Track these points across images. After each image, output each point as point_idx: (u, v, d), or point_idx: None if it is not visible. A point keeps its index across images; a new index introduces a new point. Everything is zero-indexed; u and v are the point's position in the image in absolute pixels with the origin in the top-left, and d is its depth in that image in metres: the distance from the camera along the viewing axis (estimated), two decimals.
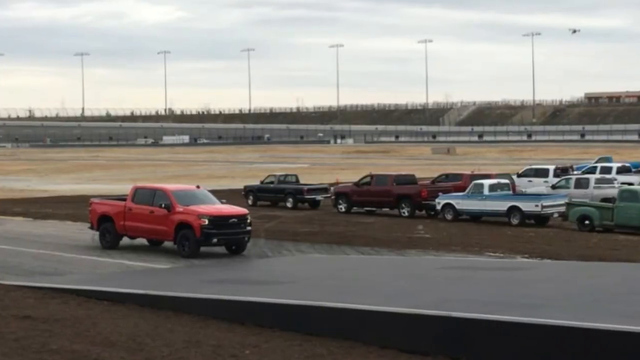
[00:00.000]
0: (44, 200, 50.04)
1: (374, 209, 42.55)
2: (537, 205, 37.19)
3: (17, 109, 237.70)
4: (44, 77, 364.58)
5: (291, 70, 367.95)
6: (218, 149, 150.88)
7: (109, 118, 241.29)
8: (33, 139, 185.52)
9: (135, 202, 29.10)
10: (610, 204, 35.72)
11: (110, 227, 29.50)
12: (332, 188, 46.01)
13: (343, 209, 42.74)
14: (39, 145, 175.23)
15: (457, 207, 38.76)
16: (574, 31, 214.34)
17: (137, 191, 29.57)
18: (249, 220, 28.17)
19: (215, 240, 27.43)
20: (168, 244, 28.89)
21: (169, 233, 27.91)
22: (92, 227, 30.51)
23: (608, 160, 61.99)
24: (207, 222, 27.12)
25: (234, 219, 27.80)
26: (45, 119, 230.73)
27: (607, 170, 50.63)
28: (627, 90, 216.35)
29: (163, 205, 27.88)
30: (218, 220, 27.39)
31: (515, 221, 37.05)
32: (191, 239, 27.30)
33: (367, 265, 26.11)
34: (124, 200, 29.94)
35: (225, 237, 27.71)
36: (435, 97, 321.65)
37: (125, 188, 56.80)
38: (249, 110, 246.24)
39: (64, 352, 14.94)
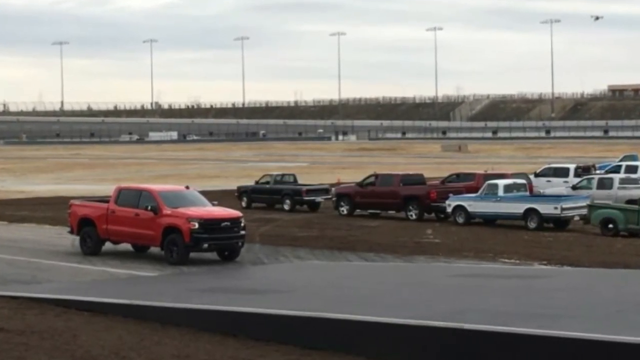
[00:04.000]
0: (20, 202, 50.08)
1: (378, 211, 42.56)
2: (556, 208, 37.19)
3: None
4: (20, 68, 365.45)
5: (289, 61, 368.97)
6: (209, 146, 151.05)
7: (90, 113, 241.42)
8: (8, 135, 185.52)
9: (119, 204, 29.01)
10: (635, 206, 35.73)
11: (92, 232, 29.41)
12: (333, 189, 46.04)
13: (345, 212, 42.76)
14: (14, 142, 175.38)
15: (469, 209, 38.76)
16: (597, 18, 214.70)
17: (120, 192, 29.49)
18: (242, 224, 28.08)
19: (206, 245, 27.32)
20: (154, 249, 28.87)
21: (155, 238, 27.81)
22: (71, 232, 30.47)
23: (633, 158, 61.94)
24: (197, 225, 27.03)
25: (226, 223, 27.71)
26: (21, 113, 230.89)
27: (632, 169, 50.61)
28: None
29: (149, 208, 27.80)
30: (209, 224, 27.30)
31: (532, 225, 37.06)
32: (180, 244, 27.21)
33: (371, 273, 26.12)
34: (107, 202, 29.90)
35: (217, 242, 27.63)
36: (446, 90, 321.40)
37: (109, 189, 56.88)
38: (243, 104, 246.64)
39: None
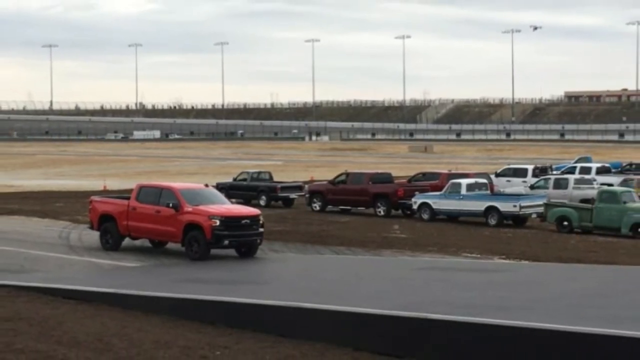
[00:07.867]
0: (9, 195, 49.69)
1: (349, 208, 42.57)
2: (515, 206, 37.37)
3: None
4: (10, 68, 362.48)
5: (266, 65, 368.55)
6: (190, 145, 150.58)
7: (78, 112, 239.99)
8: None
9: (140, 201, 28.08)
10: (589, 205, 35.95)
11: (112, 228, 28.55)
12: (306, 186, 46.02)
13: (317, 208, 42.74)
14: (5, 139, 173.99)
15: (434, 206, 38.86)
16: (535, 28, 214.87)
17: (141, 189, 28.51)
18: (261, 221, 27.18)
19: (226, 242, 26.36)
20: (166, 243, 28.42)
21: (176, 234, 26.88)
22: (91, 227, 29.56)
23: (587, 160, 62.43)
24: (218, 223, 26.10)
25: (246, 220, 26.78)
26: (12, 112, 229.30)
27: (586, 170, 50.96)
28: (607, 89, 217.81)
29: (170, 205, 26.86)
30: (230, 221, 26.36)
31: (492, 222, 37.20)
32: (201, 241, 26.25)
33: (341, 266, 26.13)
34: (127, 198, 28.95)
35: (237, 239, 26.70)
36: (413, 94, 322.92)
37: (94, 184, 56.65)
38: (222, 105, 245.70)
39: (29, 352, 14.87)
